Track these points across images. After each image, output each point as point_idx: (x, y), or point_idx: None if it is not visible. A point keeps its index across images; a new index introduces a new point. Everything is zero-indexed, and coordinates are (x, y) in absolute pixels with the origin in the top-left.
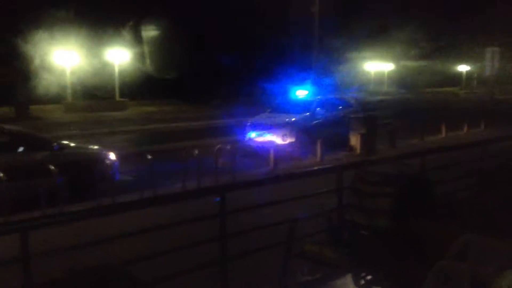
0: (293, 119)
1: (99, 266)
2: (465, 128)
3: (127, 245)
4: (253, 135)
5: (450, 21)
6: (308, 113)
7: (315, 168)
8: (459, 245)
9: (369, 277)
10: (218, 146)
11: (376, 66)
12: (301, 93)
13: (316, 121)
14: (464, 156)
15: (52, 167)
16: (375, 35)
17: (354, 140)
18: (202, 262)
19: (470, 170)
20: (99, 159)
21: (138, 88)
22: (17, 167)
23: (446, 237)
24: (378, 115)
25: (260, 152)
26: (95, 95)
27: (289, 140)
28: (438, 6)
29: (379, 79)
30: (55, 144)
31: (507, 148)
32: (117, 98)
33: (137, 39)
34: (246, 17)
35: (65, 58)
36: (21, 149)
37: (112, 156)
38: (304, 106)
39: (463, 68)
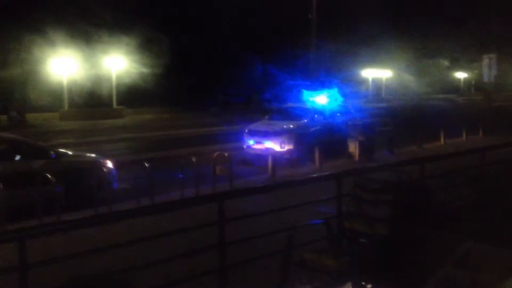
0: (291, 126)
1: (96, 275)
2: (464, 135)
3: (124, 254)
4: (251, 142)
5: (446, 28)
6: (306, 120)
7: (314, 175)
8: (460, 252)
9: (369, 286)
10: (216, 153)
11: (374, 73)
12: (320, 99)
13: (315, 128)
14: (463, 163)
15: (49, 176)
16: (372, 42)
17: (353, 147)
18: (201, 270)
19: (469, 178)
20: (97, 167)
21: (135, 95)
22: (14, 175)
23: (447, 245)
24: (376, 122)
25: (259, 159)
26: (92, 103)
27: (287, 147)
28: (433, 14)
29: (377, 86)
30: (52, 152)
31: (505, 155)
32: (114, 105)
33: (135, 46)
34: (244, 24)
35: (61, 65)
36: (18, 157)
37: (109, 164)
38: (302, 113)
39: (461, 75)
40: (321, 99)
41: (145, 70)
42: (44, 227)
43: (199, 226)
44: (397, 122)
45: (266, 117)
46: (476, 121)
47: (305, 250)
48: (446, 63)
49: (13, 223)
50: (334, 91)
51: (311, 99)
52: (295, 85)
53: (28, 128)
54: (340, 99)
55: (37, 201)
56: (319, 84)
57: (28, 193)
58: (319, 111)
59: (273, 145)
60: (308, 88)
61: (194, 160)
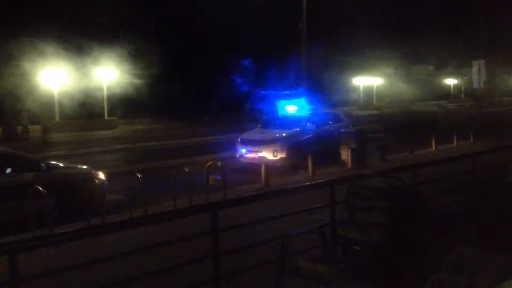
0: (284, 134)
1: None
2: (455, 141)
3: (118, 265)
4: (244, 151)
5: (436, 35)
6: (298, 128)
7: (307, 183)
8: (454, 258)
9: None
10: (209, 163)
11: (365, 81)
12: (291, 108)
13: (307, 136)
14: (455, 169)
15: (41, 188)
16: (362, 50)
17: (345, 155)
18: (195, 280)
19: (461, 183)
20: (89, 178)
21: (127, 106)
22: (5, 188)
23: (440, 251)
24: (368, 129)
25: (251, 168)
26: (84, 114)
27: (280, 155)
28: (423, 20)
29: (368, 93)
30: (43, 164)
31: (497, 159)
32: (106, 116)
33: (125, 57)
34: (233, 32)
35: (52, 77)
36: (8, 170)
37: (101, 175)
38: (294, 121)
39: (451, 81)
40: (312, 107)
41: (136, 80)
42: (36, 240)
43: (193, 236)
44: (388, 128)
45: (259, 126)
46: (467, 127)
47: (300, 258)
48: (436, 69)
49: (5, 236)
50: (325, 99)
51: (302, 107)
52: (286, 93)
53: (20, 140)
54: (331, 106)
55: (28, 213)
56: (311, 92)
57: (20, 206)
58: (311, 119)
59: (266, 154)
60: (297, 96)
61: (187, 170)
